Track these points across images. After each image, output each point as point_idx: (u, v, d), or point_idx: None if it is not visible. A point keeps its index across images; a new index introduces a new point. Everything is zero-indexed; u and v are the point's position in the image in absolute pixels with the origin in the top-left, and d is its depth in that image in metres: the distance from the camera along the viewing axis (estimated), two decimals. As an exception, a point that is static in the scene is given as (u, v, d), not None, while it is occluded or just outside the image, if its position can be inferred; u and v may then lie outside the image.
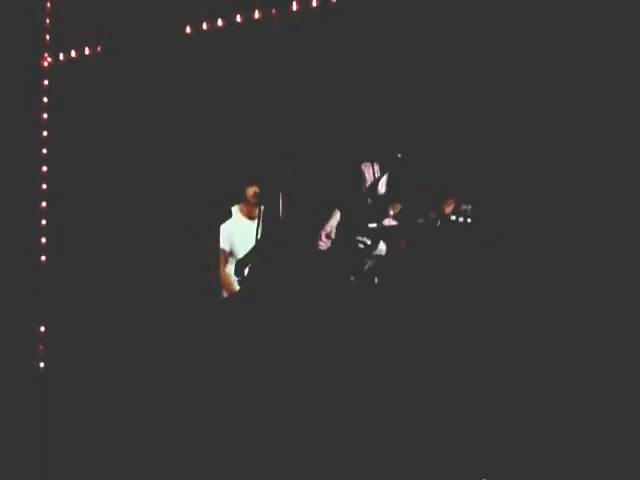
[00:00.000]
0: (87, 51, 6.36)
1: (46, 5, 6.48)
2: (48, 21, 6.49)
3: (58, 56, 6.50)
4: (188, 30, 5.95)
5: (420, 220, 4.36)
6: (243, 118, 5.60)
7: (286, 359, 4.51)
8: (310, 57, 5.34)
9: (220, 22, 5.82)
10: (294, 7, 5.47)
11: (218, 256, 5.34)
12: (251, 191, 5.23)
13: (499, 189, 4.42)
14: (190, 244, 5.70)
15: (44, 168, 6.47)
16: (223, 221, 5.35)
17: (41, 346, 6.27)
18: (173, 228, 5.84)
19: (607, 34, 4.45)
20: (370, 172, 4.72)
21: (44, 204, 6.46)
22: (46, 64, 6.53)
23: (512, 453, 4.07)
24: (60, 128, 6.41)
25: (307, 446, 4.22)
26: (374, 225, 4.54)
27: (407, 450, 4.14)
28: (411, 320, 4.34)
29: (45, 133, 6.48)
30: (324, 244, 4.70)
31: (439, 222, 4.18)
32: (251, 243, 4.91)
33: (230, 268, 5.24)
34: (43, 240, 6.45)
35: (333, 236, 4.70)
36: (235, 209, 5.36)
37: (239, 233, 5.16)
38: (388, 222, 4.55)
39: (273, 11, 5.54)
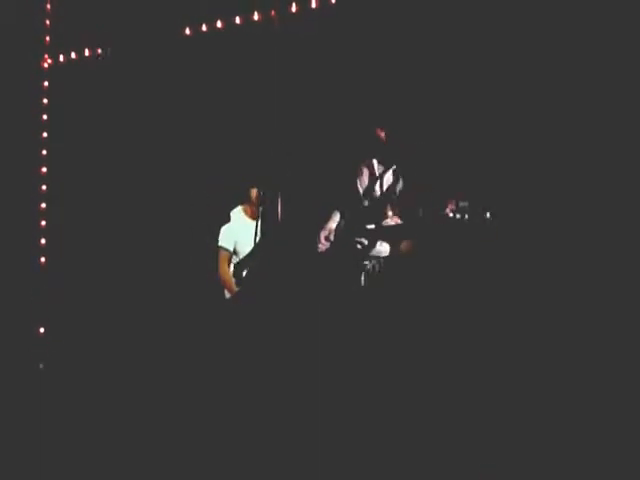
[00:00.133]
0: (87, 52, 6.38)
1: (46, 7, 6.50)
2: (48, 23, 6.52)
3: (58, 57, 6.52)
4: (187, 32, 5.96)
5: (420, 220, 4.36)
6: (243, 119, 5.60)
7: (286, 359, 4.51)
8: (309, 58, 5.34)
9: (219, 24, 5.83)
10: (293, 8, 5.48)
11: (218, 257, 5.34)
12: (255, 192, 5.22)
13: (498, 189, 4.43)
14: (190, 245, 5.71)
15: (44, 169, 6.49)
16: (223, 223, 5.35)
17: (41, 347, 6.28)
18: (173, 228, 5.85)
19: (608, 34, 4.46)
20: (368, 173, 4.73)
21: (44, 205, 6.47)
22: (46, 65, 6.55)
23: (513, 453, 4.07)
24: (60, 129, 6.43)
25: (308, 446, 4.22)
26: (372, 226, 4.54)
27: (407, 450, 4.14)
28: (411, 320, 4.34)
29: (45, 134, 6.50)
30: (323, 246, 4.70)
31: (439, 220, 4.18)
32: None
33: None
34: (43, 241, 6.46)
35: (332, 238, 4.70)
36: (239, 210, 5.35)
37: (243, 234, 5.15)
38: (391, 221, 4.55)
39: (272, 12, 5.55)
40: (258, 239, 4.90)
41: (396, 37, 5.04)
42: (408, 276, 4.43)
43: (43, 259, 6.44)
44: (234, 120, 5.65)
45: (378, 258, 4.52)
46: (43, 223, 6.47)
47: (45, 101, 6.52)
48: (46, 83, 6.53)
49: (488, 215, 4.09)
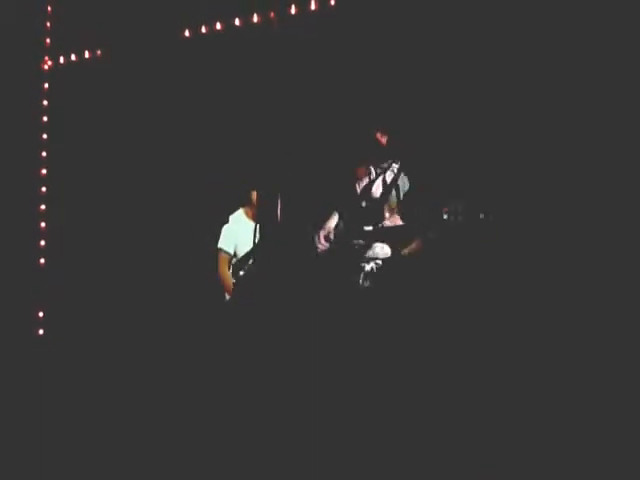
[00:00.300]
0: (87, 54, 6.39)
1: (47, 9, 6.51)
2: (49, 24, 6.52)
3: (58, 59, 6.53)
4: (187, 34, 5.97)
5: (419, 222, 4.37)
6: (242, 121, 5.61)
7: (285, 360, 4.51)
8: (309, 60, 5.35)
9: (219, 25, 5.84)
10: (292, 10, 5.49)
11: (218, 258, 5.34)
12: (256, 194, 5.22)
13: (494, 190, 4.43)
14: (190, 248, 5.72)
15: (44, 171, 6.49)
16: (223, 224, 5.36)
17: (40, 347, 6.28)
18: (172, 230, 5.86)
19: (609, 35, 4.46)
20: (367, 174, 4.73)
21: (43, 207, 6.48)
22: (46, 67, 6.56)
23: (513, 453, 4.07)
24: (60, 131, 6.43)
25: (307, 447, 4.22)
26: (370, 227, 4.55)
27: (408, 450, 4.14)
28: (411, 321, 4.34)
29: (45, 136, 6.51)
30: (322, 246, 4.70)
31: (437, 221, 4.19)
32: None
33: (234, 270, 5.25)
34: (42, 243, 6.47)
35: (332, 238, 4.70)
36: (241, 212, 5.35)
37: (244, 236, 5.15)
38: (389, 223, 4.55)
39: (272, 14, 5.56)
40: (257, 240, 4.91)
41: (395, 39, 5.05)
42: (408, 276, 4.43)
43: (43, 260, 6.44)
44: (234, 122, 5.66)
45: (376, 260, 4.52)
46: (43, 225, 6.48)
47: (45, 103, 6.52)
48: (46, 85, 6.55)
49: (482, 216, 4.10)
